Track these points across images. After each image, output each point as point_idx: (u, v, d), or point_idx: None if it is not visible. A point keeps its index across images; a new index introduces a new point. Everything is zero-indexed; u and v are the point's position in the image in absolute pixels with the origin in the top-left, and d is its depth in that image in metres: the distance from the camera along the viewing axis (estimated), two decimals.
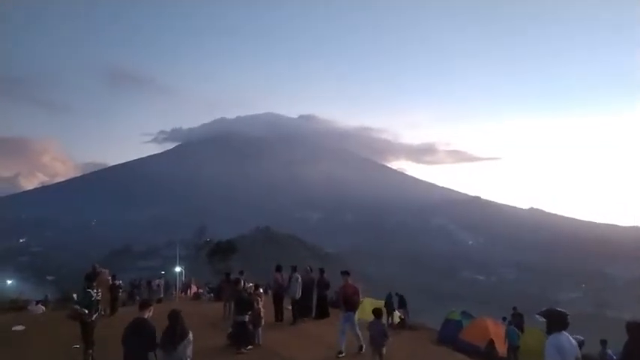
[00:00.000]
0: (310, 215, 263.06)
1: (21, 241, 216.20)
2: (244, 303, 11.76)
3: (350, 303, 10.96)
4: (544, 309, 5.54)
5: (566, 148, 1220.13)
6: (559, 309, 5.53)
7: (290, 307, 15.48)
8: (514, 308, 20.36)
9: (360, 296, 11.78)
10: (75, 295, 16.14)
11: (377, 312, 10.12)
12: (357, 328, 11.05)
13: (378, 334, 9.54)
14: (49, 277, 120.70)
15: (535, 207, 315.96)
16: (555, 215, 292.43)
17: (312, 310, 15.82)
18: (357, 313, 11.18)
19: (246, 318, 11.61)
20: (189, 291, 33.70)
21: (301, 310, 15.44)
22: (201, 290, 31.71)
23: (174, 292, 30.74)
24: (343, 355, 10.57)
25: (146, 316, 6.58)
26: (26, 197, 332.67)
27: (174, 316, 6.53)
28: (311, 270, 16.90)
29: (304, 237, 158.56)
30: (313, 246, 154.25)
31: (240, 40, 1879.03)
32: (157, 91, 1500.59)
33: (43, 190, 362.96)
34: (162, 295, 26.62)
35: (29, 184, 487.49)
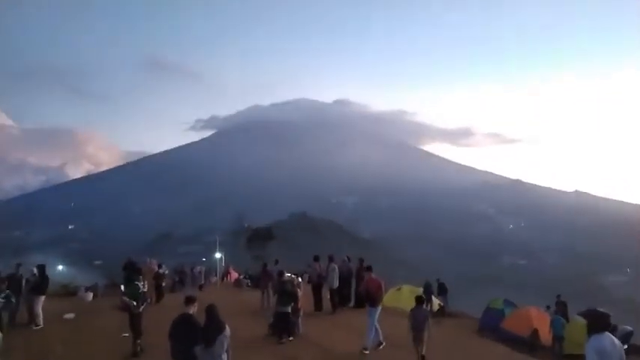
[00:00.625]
0: (346, 200, 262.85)
1: (69, 227, 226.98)
2: (287, 295, 11.85)
3: (373, 298, 10.72)
4: (585, 309, 5.33)
5: (613, 128, 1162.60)
6: (600, 309, 5.29)
7: (329, 297, 15.56)
8: (558, 296, 19.67)
9: (384, 290, 11.48)
10: (122, 287, 16.76)
11: (419, 299, 10.28)
12: (377, 325, 10.70)
13: (420, 321, 9.62)
14: (97, 262, 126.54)
15: (580, 190, 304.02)
16: (602, 198, 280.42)
17: (350, 299, 15.86)
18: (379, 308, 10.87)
19: (289, 309, 11.72)
20: (229, 277, 34.55)
21: (339, 299, 15.53)
22: (241, 276, 32.38)
23: (215, 279, 31.46)
24: (367, 352, 10.38)
25: (191, 312, 6.75)
26: (73, 186, 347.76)
27: (211, 310, 6.65)
28: (349, 260, 16.90)
29: (341, 222, 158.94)
30: (350, 231, 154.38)
31: (274, 26, 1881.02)
32: (193, 80, 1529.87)
33: (89, 179, 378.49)
34: (203, 282, 27.33)
35: (76, 172, 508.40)
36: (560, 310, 18.28)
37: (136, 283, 10.76)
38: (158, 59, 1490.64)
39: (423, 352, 9.66)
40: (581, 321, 16.16)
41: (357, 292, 15.75)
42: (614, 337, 5.04)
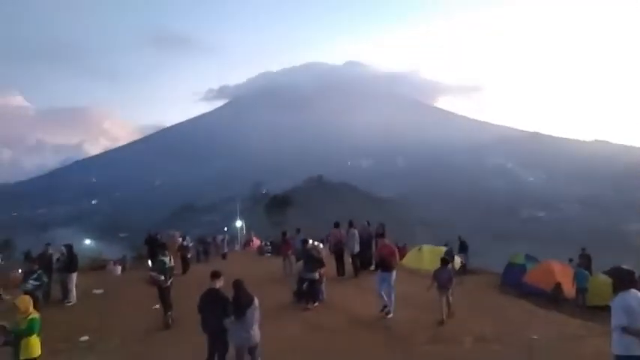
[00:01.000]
0: (362, 162, 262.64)
1: (93, 202, 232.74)
2: (314, 261, 11.94)
3: (386, 264, 10.60)
4: (610, 268, 5.26)
5: (627, 76, 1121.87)
6: (625, 267, 5.22)
7: (350, 262, 15.74)
8: (583, 249, 19.50)
9: (398, 256, 11.44)
10: (149, 262, 17.17)
11: (444, 260, 10.82)
12: (393, 292, 10.53)
13: (445, 280, 10.17)
14: (122, 235, 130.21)
15: (600, 139, 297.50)
16: (622, 146, 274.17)
17: (371, 263, 16.02)
18: (394, 273, 10.68)
19: (317, 275, 11.82)
20: (251, 244, 35.14)
21: (361, 263, 15.70)
22: (263, 243, 32.89)
23: (237, 246, 31.92)
24: (388, 309, 10.52)
25: (217, 286, 6.92)
26: (93, 162, 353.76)
27: (238, 285, 6.79)
28: (368, 224, 16.96)
29: (357, 184, 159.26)
30: (367, 192, 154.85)
31: None
32: (201, 50, 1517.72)
33: (108, 154, 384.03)
34: (226, 251, 27.82)
35: (94, 149, 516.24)
36: (584, 263, 18.17)
37: (162, 258, 11.00)
38: (166, 33, 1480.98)
39: (445, 317, 10.00)
40: (604, 278, 16.13)
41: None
42: (638, 293, 4.99)
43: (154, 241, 18.71)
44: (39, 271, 11.65)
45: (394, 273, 10.60)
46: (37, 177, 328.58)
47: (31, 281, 11.34)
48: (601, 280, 16.02)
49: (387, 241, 11.53)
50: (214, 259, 25.72)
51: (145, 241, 19.19)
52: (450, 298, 10.34)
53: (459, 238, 23.25)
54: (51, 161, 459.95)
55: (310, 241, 17.02)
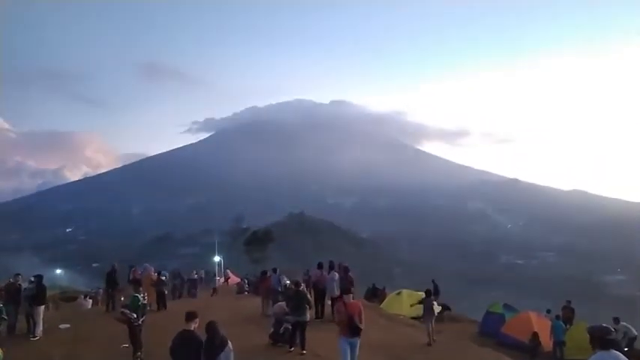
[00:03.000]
0: (344, 201, 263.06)
1: (67, 230, 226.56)
2: (306, 302, 11.23)
3: (356, 328, 8.56)
4: (590, 326, 5.24)
5: (610, 126, 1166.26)
6: (606, 326, 5.21)
7: (330, 303, 15.48)
8: (568, 301, 19.59)
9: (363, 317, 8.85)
10: (122, 298, 16.67)
11: (427, 292, 13.99)
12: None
13: (427, 309, 12.89)
14: (95, 265, 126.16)
15: (578, 188, 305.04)
16: (600, 197, 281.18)
17: None
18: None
19: (308, 317, 11.17)
20: (227, 281, 34.43)
21: None
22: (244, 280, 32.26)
23: (218, 283, 31.10)
24: None
25: (192, 328, 6.69)
26: (71, 188, 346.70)
27: (212, 328, 6.61)
28: (346, 269, 16.72)
29: (339, 223, 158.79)
30: (348, 231, 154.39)
31: (268, 28, 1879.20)
32: (188, 83, 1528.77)
33: (87, 182, 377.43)
34: (198, 288, 27.07)
35: (73, 175, 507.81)
36: (567, 315, 18.23)
37: (136, 295, 10.66)
38: (154, 63, 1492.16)
39: (434, 337, 12.57)
40: (585, 323, 16.18)
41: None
42: (619, 354, 4.96)
43: (114, 274, 18.43)
44: (0, 306, 11.19)
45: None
46: (11, 201, 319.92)
47: None
48: (581, 328, 16.04)
49: (350, 297, 8.98)
50: (187, 296, 25.12)
51: (107, 273, 18.76)
52: (433, 323, 12.84)
53: (433, 281, 23.24)
54: (28, 186, 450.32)
55: (287, 281, 16.79)
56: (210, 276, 32.25)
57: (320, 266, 15.55)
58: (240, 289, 28.06)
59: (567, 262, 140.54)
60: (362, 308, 9.02)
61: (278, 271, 17.50)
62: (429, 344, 12.31)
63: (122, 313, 10.65)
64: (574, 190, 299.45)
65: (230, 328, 7.13)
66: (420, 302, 14.00)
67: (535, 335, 15.98)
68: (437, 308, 22.20)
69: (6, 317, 11.88)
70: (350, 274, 15.48)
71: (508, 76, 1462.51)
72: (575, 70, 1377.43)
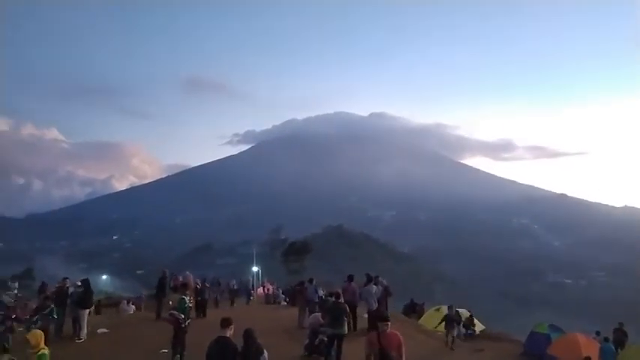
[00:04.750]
0: (383, 214, 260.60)
1: (114, 238, 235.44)
2: (344, 314, 11.08)
3: None
4: None
5: None
6: None
7: (366, 317, 15.28)
8: (620, 324, 18.54)
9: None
10: (170, 302, 17.08)
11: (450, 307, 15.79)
12: None
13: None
14: (139, 272, 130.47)
15: (630, 205, 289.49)
16: None
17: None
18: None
19: (346, 330, 11.02)
20: (264, 291, 34.52)
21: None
22: (277, 290, 32.32)
23: (252, 294, 31.35)
24: None
25: (228, 335, 6.77)
26: (118, 197, 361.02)
27: (249, 335, 6.66)
28: (376, 283, 16.42)
29: (377, 236, 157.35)
30: (387, 245, 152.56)
31: (306, 41, 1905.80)
32: (229, 96, 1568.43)
33: (133, 191, 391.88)
34: (234, 297, 27.32)
35: (121, 185, 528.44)
36: (619, 338, 17.24)
37: (184, 297, 10.97)
38: (196, 77, 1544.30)
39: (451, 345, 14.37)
40: (638, 347, 15.24)
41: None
42: None
43: (165, 280, 18.83)
44: (51, 306, 11.68)
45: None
46: (63, 208, 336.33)
47: (41, 317, 11.35)
48: (633, 350, 15.11)
49: (388, 327, 6.99)
50: (225, 304, 25.38)
51: (158, 280, 19.21)
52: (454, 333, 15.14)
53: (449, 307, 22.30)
54: (78, 194, 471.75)
55: (322, 293, 16.69)
56: (244, 285, 32.40)
57: (351, 278, 15.32)
58: (268, 300, 28.05)
59: (618, 283, 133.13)
60: (402, 340, 6.96)
61: (314, 281, 17.44)
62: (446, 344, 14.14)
63: (170, 314, 11.01)
64: (625, 207, 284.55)
65: (265, 338, 7.17)
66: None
67: (587, 359, 15.11)
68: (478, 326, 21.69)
69: (56, 316, 12.39)
70: (388, 287, 15.26)
71: (550, 85, 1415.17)
72: (623, 91, 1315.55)
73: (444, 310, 22.78)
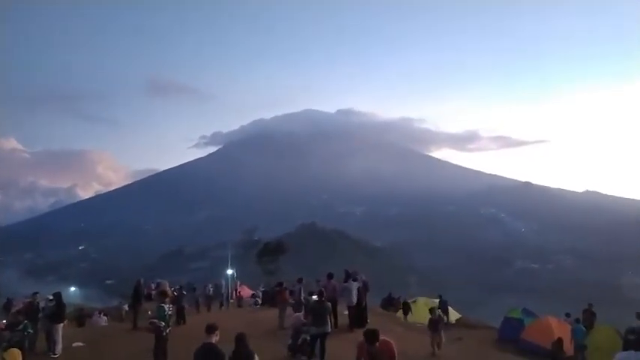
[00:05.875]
0: (355, 209, 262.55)
1: (80, 248, 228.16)
2: (328, 313, 11.23)
3: None
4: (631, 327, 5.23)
5: (620, 124, 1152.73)
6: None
7: (346, 313, 15.37)
8: (589, 304, 19.29)
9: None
10: (149, 311, 16.75)
11: (432, 310, 14.65)
12: None
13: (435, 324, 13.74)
14: (109, 282, 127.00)
15: (591, 189, 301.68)
16: (613, 197, 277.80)
17: (366, 319, 15.52)
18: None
19: (329, 328, 11.11)
20: (239, 294, 34.15)
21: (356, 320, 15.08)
22: (254, 292, 32.12)
23: (230, 297, 31.03)
24: None
25: (213, 341, 6.70)
26: (83, 206, 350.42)
27: (240, 339, 6.62)
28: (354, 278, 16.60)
29: (350, 232, 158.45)
30: (360, 240, 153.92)
31: (271, 39, 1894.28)
32: (194, 98, 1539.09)
33: (99, 199, 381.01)
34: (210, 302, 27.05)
35: (86, 193, 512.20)
36: (588, 319, 17.95)
37: (162, 305, 10.79)
38: (161, 80, 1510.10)
39: (435, 349, 13.39)
40: (607, 326, 15.97)
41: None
42: None
43: (139, 289, 18.46)
44: (25, 322, 11.26)
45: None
46: (26, 220, 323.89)
47: (14, 333, 10.92)
48: (603, 332, 15.79)
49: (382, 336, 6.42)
50: (201, 310, 25.06)
51: (133, 289, 18.78)
52: (442, 335, 13.93)
53: (440, 297, 23.00)
54: (42, 204, 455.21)
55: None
56: (219, 290, 31.93)
57: (330, 276, 15.41)
58: (239, 303, 28.05)
59: (584, 266, 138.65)
60: (395, 352, 6.36)
61: (304, 281, 17.50)
62: (433, 354, 13.32)
63: (151, 322, 10.82)
64: (587, 192, 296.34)
65: (248, 341, 7.11)
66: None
67: (560, 341, 15.69)
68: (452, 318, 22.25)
69: (32, 331, 11.94)
70: (366, 282, 15.37)
71: (515, 85, 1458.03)
72: (584, 83, 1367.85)
73: (421, 302, 23.40)
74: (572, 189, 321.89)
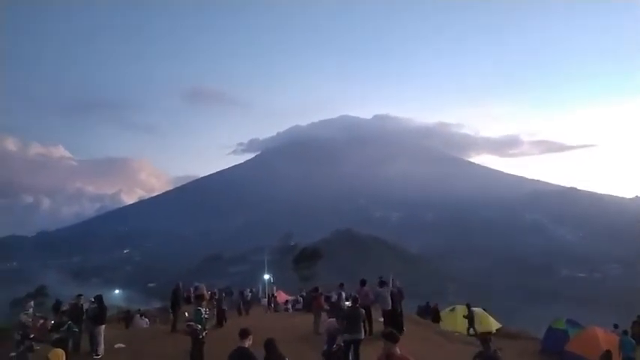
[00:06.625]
0: (390, 215, 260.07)
1: (125, 252, 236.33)
2: (360, 319, 11.29)
3: None
4: None
5: None
6: None
7: (381, 320, 15.19)
8: (638, 316, 18.35)
9: None
10: (186, 313, 17.13)
11: None
12: None
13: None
14: (151, 285, 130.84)
15: None
16: None
17: (402, 326, 15.29)
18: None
19: (362, 335, 11.15)
20: (275, 300, 34.35)
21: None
22: (291, 298, 32.20)
23: (270, 303, 31.28)
24: None
25: (247, 345, 6.77)
26: (127, 211, 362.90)
27: (270, 345, 6.66)
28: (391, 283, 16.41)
29: (385, 237, 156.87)
30: (396, 246, 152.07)
31: (307, 47, 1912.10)
32: (232, 105, 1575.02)
33: (142, 204, 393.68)
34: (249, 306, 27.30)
35: (129, 199, 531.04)
36: (637, 330, 17.06)
37: (199, 308, 11.01)
38: (198, 88, 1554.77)
39: None
40: None
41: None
42: None
43: (178, 292, 18.84)
44: (69, 323, 11.73)
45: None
46: (73, 225, 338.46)
47: (59, 333, 11.38)
48: None
49: (399, 349, 5.88)
50: (238, 313, 25.32)
51: (172, 292, 19.22)
52: None
53: (467, 305, 22.20)
54: (88, 210, 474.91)
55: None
56: (256, 294, 32.23)
57: (363, 282, 15.28)
58: (276, 308, 28.14)
59: (633, 275, 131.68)
60: None
61: (344, 286, 17.48)
62: None
63: (188, 325, 11.06)
64: (636, 198, 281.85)
65: (283, 346, 7.14)
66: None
67: (608, 353, 14.92)
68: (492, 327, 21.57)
69: (76, 329, 12.38)
70: (401, 289, 15.16)
71: (554, 81, 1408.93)
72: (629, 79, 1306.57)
73: (459, 310, 22.79)
74: (620, 195, 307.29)
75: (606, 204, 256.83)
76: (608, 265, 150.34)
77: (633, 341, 15.19)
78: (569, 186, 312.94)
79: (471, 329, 20.05)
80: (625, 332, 15.72)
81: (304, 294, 28.95)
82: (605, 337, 16.18)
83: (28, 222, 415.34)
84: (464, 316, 20.95)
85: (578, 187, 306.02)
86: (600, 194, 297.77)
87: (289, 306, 27.96)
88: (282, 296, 35.88)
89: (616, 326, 17.73)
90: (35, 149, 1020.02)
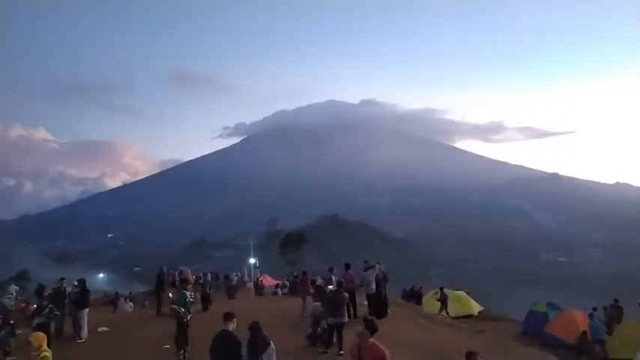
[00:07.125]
0: (377, 201, 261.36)
1: (109, 236, 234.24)
2: (345, 305, 11.47)
3: None
4: None
5: None
6: None
7: (366, 303, 15.33)
8: (615, 300, 18.88)
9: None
10: (170, 294, 17.12)
11: None
12: None
13: None
14: (136, 269, 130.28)
15: (622, 181, 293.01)
16: None
17: (387, 309, 15.48)
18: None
19: (345, 319, 11.29)
20: (262, 284, 34.47)
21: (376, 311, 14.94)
22: (279, 282, 32.39)
23: (249, 284, 31.39)
24: None
25: (230, 328, 6.76)
26: (112, 195, 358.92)
27: (255, 328, 6.66)
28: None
29: (372, 223, 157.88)
30: (382, 231, 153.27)
31: (294, 30, 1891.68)
32: (218, 89, 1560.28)
33: (126, 188, 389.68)
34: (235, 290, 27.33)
35: (113, 183, 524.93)
36: (615, 313, 17.62)
37: (184, 292, 10.96)
38: (185, 71, 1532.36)
39: None
40: (633, 320, 15.67)
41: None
42: None
43: (163, 277, 18.81)
44: (50, 306, 11.60)
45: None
46: (56, 209, 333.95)
47: (40, 317, 11.27)
48: (629, 329, 15.46)
49: (371, 340, 5.98)
50: (227, 297, 25.34)
51: (157, 276, 19.16)
52: None
53: (441, 289, 22.48)
54: (71, 194, 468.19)
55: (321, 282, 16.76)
56: (240, 278, 32.20)
57: (348, 266, 15.35)
58: (259, 292, 28.34)
59: (613, 259, 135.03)
60: (386, 354, 5.80)
61: (334, 270, 17.59)
62: None
63: (171, 308, 11.03)
64: (617, 184, 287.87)
65: (268, 329, 7.16)
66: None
67: (584, 334, 15.39)
68: (474, 310, 22.00)
69: (58, 313, 12.27)
70: (386, 274, 15.28)
71: (537, 67, 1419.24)
72: (613, 68, 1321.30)
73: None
74: (602, 181, 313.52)
75: (588, 190, 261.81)
76: (588, 249, 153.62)
77: (600, 324, 15.83)
78: (551, 172, 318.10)
79: (444, 311, 20.48)
80: (590, 316, 16.24)
81: (291, 278, 29.11)
82: (582, 319, 16.65)
83: (9, 205, 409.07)
84: (437, 299, 21.40)
85: (561, 173, 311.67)
86: (582, 180, 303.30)
87: (279, 290, 28.11)
88: (267, 280, 36.06)
89: (594, 309, 18.24)
90: (16, 131, 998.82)
